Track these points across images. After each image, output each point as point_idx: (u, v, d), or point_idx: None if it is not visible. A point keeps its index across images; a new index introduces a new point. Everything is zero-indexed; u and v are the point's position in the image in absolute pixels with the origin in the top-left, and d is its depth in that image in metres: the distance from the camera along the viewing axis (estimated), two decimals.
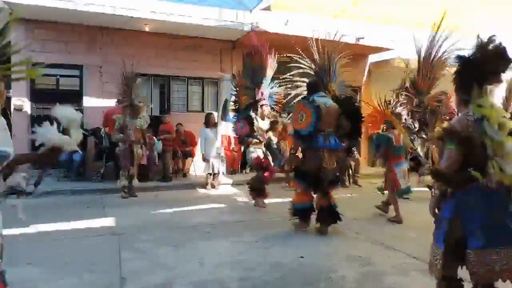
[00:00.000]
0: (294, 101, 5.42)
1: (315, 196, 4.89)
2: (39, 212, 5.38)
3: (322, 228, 4.75)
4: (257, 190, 6.31)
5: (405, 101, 5.70)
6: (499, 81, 2.38)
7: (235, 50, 10.03)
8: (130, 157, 6.88)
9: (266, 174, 6.27)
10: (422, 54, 5.62)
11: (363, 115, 5.10)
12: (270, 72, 6.38)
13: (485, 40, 2.33)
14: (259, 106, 6.27)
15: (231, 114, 8.55)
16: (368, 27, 9.33)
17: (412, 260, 3.76)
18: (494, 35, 2.34)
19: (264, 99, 6.31)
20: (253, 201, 6.42)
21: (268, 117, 6.42)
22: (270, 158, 6.45)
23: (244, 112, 6.34)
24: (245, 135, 6.30)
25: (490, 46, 2.31)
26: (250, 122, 6.23)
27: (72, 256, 3.87)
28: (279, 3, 8.40)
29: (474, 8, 7.14)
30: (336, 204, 4.82)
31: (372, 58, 11.58)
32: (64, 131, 2.00)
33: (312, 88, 4.93)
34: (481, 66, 2.31)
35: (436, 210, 2.48)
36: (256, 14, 8.93)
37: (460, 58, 2.45)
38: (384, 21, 8.86)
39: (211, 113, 8.53)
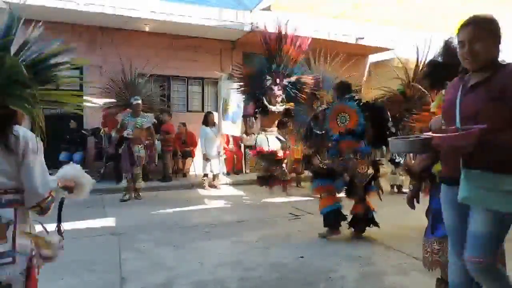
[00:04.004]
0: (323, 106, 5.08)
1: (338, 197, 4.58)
2: None
3: (357, 234, 4.56)
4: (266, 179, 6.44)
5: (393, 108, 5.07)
6: None
7: (235, 50, 10.05)
8: (129, 158, 6.72)
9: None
10: (411, 60, 5.49)
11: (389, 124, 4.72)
12: (292, 59, 6.13)
13: (446, 42, 2.42)
14: (268, 92, 6.05)
15: (230, 114, 8.56)
16: (368, 27, 9.33)
17: (412, 260, 3.75)
18: (450, 37, 2.44)
19: (277, 86, 6.04)
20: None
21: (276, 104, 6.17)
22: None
23: (251, 96, 6.32)
24: (249, 115, 6.33)
25: (453, 46, 2.40)
26: (259, 105, 6.13)
27: (72, 256, 3.85)
28: (279, 3, 8.40)
29: (473, 10, 7.13)
30: (373, 211, 4.53)
31: (372, 58, 11.59)
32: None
33: (346, 89, 4.55)
34: (451, 65, 2.37)
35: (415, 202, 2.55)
36: (256, 14, 8.93)
37: (430, 61, 2.59)
38: (384, 22, 8.86)
39: (210, 112, 8.53)
